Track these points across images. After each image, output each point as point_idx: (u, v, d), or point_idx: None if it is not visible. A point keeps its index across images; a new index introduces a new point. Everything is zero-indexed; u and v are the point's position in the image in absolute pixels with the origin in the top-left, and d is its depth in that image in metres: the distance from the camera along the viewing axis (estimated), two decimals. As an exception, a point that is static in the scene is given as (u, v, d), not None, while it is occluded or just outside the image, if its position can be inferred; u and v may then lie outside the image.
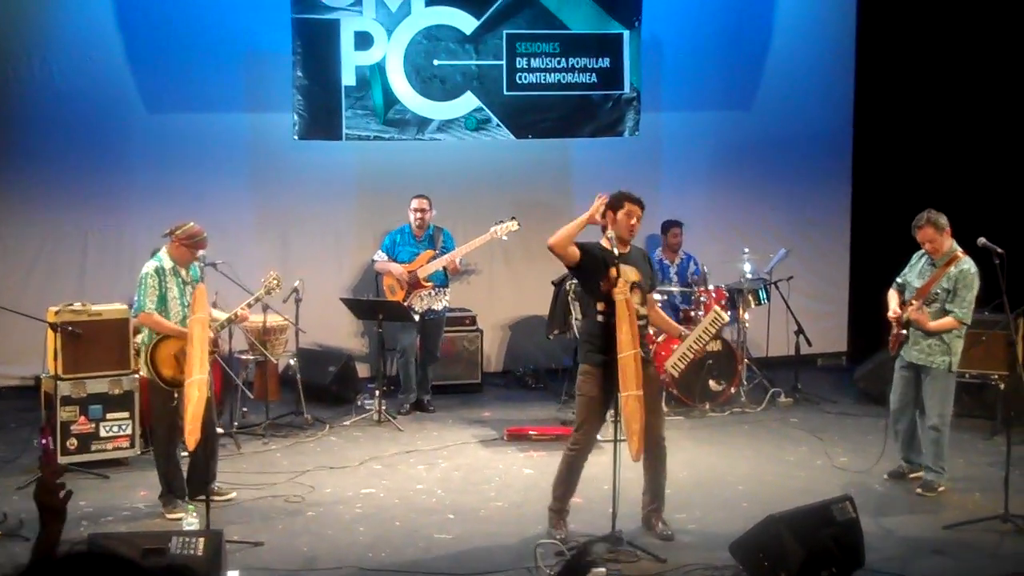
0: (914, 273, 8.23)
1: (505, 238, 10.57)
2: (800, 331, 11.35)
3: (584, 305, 7.32)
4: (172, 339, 7.61)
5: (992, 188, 11.74)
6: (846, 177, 13.12)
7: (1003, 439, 7.89)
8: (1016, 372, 8.91)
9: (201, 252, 7.61)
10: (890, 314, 8.28)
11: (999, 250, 7.60)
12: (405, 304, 10.45)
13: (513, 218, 10.49)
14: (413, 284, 10.56)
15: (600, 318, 7.07)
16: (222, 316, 8.34)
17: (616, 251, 7.04)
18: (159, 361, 7.63)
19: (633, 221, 7.11)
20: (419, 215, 10.63)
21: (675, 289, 11.51)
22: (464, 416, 10.59)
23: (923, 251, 8.20)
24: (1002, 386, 9.63)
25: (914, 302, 8.06)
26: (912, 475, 8.40)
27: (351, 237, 11.90)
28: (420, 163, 11.76)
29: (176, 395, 7.53)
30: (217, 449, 8.10)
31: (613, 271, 6.94)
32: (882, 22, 12.55)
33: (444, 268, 10.60)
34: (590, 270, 7.06)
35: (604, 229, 7.12)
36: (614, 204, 7.12)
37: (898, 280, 8.42)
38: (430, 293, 10.65)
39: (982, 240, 7.73)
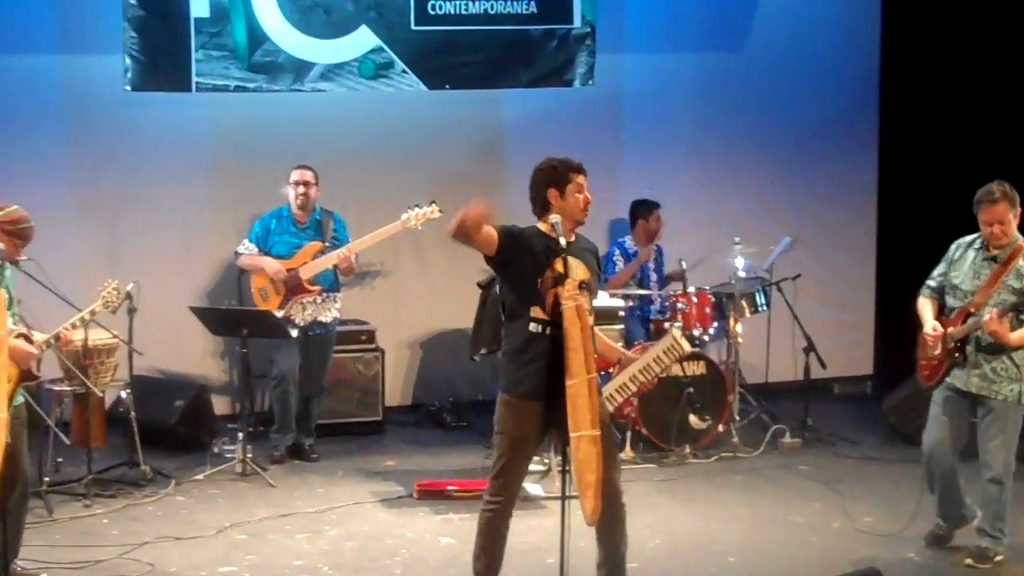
0: (963, 271, 8.17)
1: (421, 228, 10.51)
2: (811, 348, 11.41)
3: (510, 308, 7.23)
4: None
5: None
6: (871, 142, 13.26)
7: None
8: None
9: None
10: (928, 330, 8.20)
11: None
12: (281, 315, 10.38)
13: (433, 202, 10.44)
14: (293, 287, 10.48)
15: (533, 327, 7.02)
16: (38, 337, 8.12)
17: (563, 240, 6.99)
18: None
19: (585, 195, 7.09)
20: (301, 192, 10.55)
21: (647, 292, 11.53)
22: (360, 466, 10.55)
23: (971, 240, 8.19)
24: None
25: (973, 310, 8.03)
26: (955, 537, 8.43)
27: (204, 223, 11.81)
28: (298, 123, 11.72)
29: None
30: (24, 513, 7.90)
31: (558, 264, 6.90)
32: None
33: (335, 267, 10.53)
34: (519, 262, 7.00)
35: (542, 214, 7.09)
36: (555, 179, 7.08)
37: (931, 283, 8.34)
38: (316, 300, 10.59)
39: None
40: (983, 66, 12.39)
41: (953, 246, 8.31)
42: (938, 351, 8.16)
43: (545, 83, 12.08)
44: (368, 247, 10.75)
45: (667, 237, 12.01)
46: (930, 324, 8.21)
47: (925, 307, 8.32)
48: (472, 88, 11.99)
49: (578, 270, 6.97)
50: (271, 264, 10.53)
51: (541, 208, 7.10)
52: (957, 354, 8.10)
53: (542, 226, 7.07)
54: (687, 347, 7.99)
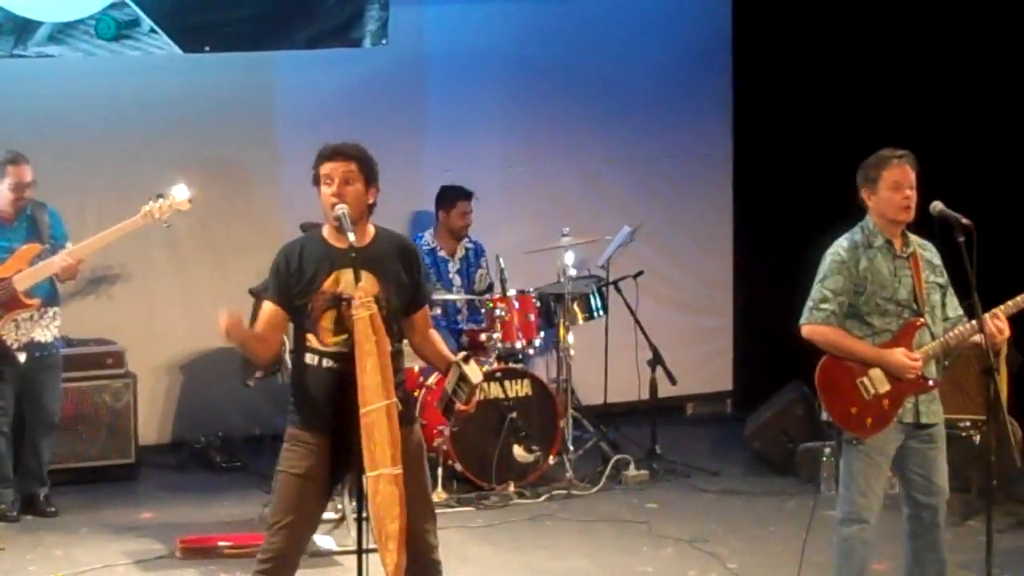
0: (886, 280, 7.94)
1: (168, 224, 10.43)
2: (658, 361, 11.56)
3: (293, 334, 7.26)
4: None
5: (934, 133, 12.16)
6: (725, 110, 13.47)
7: (982, 523, 8.15)
8: (999, 416, 9.09)
9: None
10: (904, 359, 7.75)
11: (965, 221, 7.77)
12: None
13: (183, 189, 10.37)
14: (7, 301, 10.28)
15: (308, 358, 7.05)
16: None
17: (352, 238, 7.00)
18: None
19: (331, 188, 7.09)
20: (18, 187, 10.37)
21: (457, 298, 11.58)
22: (109, 521, 10.48)
23: (862, 242, 7.96)
24: (977, 439, 9.97)
25: (922, 322, 7.90)
26: None
27: None
28: (20, 96, 11.60)
29: None
30: None
31: (329, 282, 6.93)
32: None
33: (56, 274, 10.37)
34: (298, 295, 7.04)
35: (332, 207, 7.09)
36: (313, 176, 7.13)
37: (829, 306, 7.84)
38: (32, 316, 10.46)
39: (939, 206, 7.90)
40: (850, 20, 12.63)
41: (843, 254, 7.89)
42: (889, 386, 7.83)
43: (327, 43, 12.05)
44: (101, 248, 10.62)
45: (482, 229, 12.09)
46: (908, 357, 7.76)
47: (843, 336, 7.86)
48: (237, 50, 11.90)
49: (366, 282, 6.98)
50: None
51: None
52: (930, 381, 8.01)
53: (326, 231, 7.10)
54: (477, 376, 7.76)
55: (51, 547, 9.92)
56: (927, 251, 7.88)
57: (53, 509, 10.58)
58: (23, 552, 9.82)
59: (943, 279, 7.90)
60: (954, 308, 7.89)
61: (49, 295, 10.48)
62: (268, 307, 7.08)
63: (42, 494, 10.64)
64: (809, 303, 7.85)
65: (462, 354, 7.55)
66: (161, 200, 10.31)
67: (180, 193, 10.32)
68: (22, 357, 10.32)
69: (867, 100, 12.39)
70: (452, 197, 11.87)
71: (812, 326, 7.81)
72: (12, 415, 10.55)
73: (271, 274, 7.11)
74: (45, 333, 10.50)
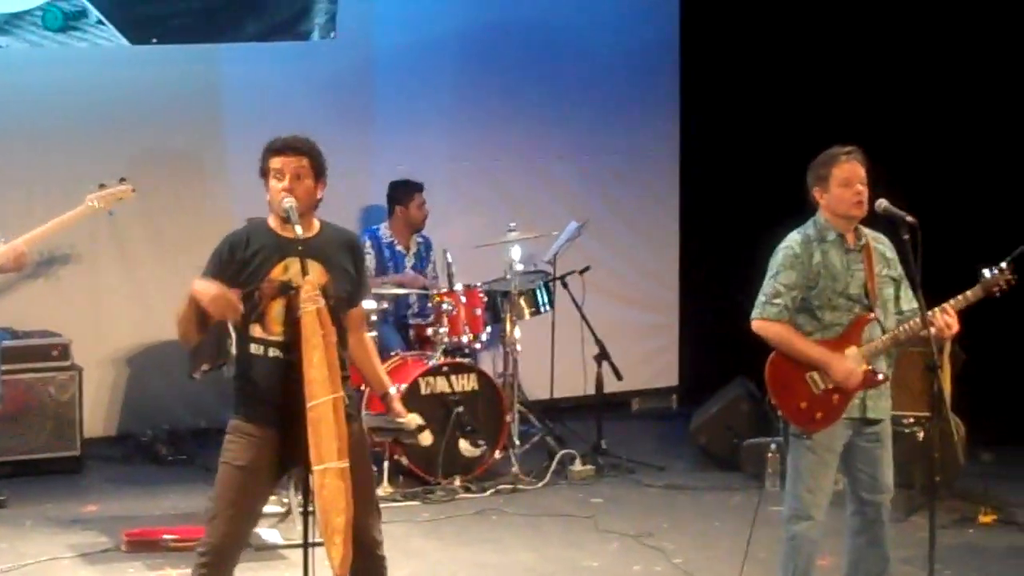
0: (838, 274, 7.90)
1: (112, 212, 10.39)
2: (604, 356, 11.58)
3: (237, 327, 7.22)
4: None
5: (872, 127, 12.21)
6: (672, 107, 13.50)
7: (925, 519, 8.18)
8: (943, 413, 9.17)
9: None
10: (855, 376, 7.71)
11: (909, 218, 7.80)
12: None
13: (123, 180, 10.33)
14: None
15: (254, 348, 7.03)
16: None
17: (298, 229, 6.99)
18: None
19: (280, 183, 7.06)
20: None
21: (404, 291, 11.57)
22: (53, 513, 10.43)
23: (814, 236, 7.95)
24: (921, 435, 10.02)
25: (873, 316, 7.89)
26: None
27: None
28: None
29: None
30: None
31: (278, 270, 6.91)
32: None
33: None
34: (240, 278, 7.00)
35: (281, 200, 7.08)
36: (261, 168, 7.10)
37: (781, 301, 7.80)
38: (-29, 309, 10.44)
39: (884, 204, 7.93)
40: (796, 20, 12.72)
41: (797, 248, 7.84)
42: (837, 383, 7.75)
43: (276, 36, 12.06)
44: (46, 239, 10.57)
45: (429, 222, 12.08)
46: (847, 359, 7.72)
47: (794, 335, 7.80)
48: (185, 42, 11.92)
49: (314, 271, 6.97)
50: None
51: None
52: (880, 376, 8.01)
53: (272, 220, 7.08)
54: (427, 442, 7.81)
55: (-7, 537, 9.92)
56: (880, 244, 7.85)
57: (3, 498, 10.56)
58: (-37, 545, 9.81)
59: (897, 272, 7.87)
60: (908, 301, 7.85)
61: (-14, 287, 10.48)
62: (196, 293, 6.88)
63: (-17, 485, 10.63)
64: (761, 297, 7.79)
65: (416, 422, 7.55)
66: (103, 190, 10.26)
67: (123, 183, 10.29)
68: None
69: (812, 97, 12.52)
70: (409, 190, 11.89)
71: (763, 321, 7.76)
72: None
73: (212, 261, 7.03)
74: (-17, 325, 10.50)
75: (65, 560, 9.50)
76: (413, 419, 7.48)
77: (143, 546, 9.58)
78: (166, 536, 9.63)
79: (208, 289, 6.80)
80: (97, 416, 12.12)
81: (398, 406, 7.46)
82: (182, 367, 11.10)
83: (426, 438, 7.49)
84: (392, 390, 7.53)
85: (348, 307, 7.09)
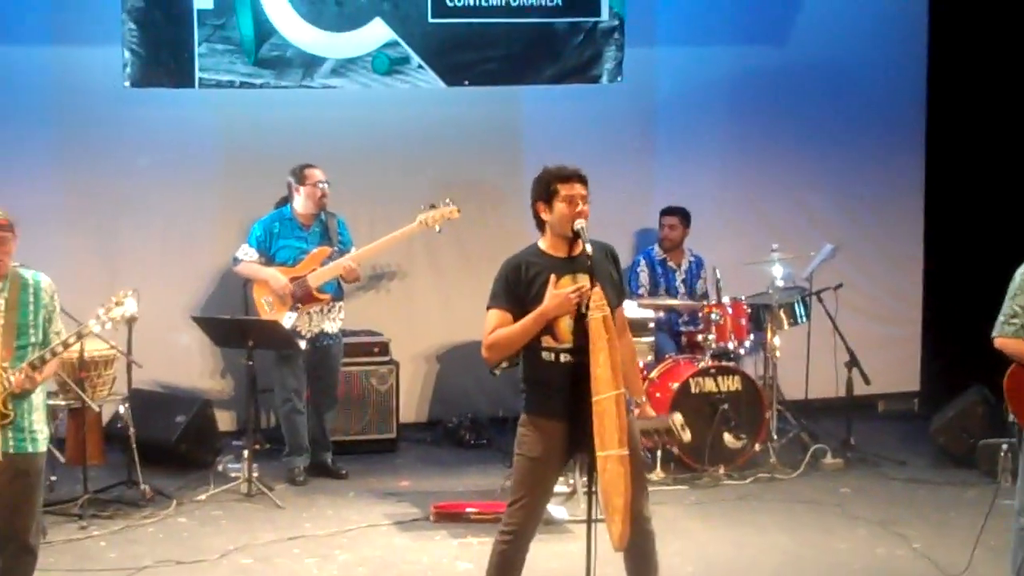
0: None
1: (439, 229, 10.53)
2: (854, 363, 11.42)
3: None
4: None
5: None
6: (918, 143, 13.28)
7: None
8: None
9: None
10: None
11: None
12: (288, 326, 10.42)
13: (450, 201, 10.46)
14: (302, 297, 10.44)
15: (545, 355, 7.05)
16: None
17: (588, 247, 7.02)
18: None
19: (579, 207, 7.06)
20: (321, 193, 10.52)
21: (678, 303, 11.55)
22: (372, 487, 10.60)
23: None
24: None
25: None
26: None
27: (207, 228, 11.87)
28: (308, 121, 11.77)
29: None
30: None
31: (566, 281, 6.92)
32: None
33: (341, 275, 10.55)
34: (529, 304, 7.02)
35: (542, 229, 7.14)
36: (542, 193, 7.13)
37: (1021, 322, 7.57)
38: (322, 310, 10.60)
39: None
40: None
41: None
42: None
43: (570, 80, 12.10)
44: (382, 252, 10.77)
45: (701, 244, 12.06)
46: None
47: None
48: (493, 84, 12.03)
49: (583, 283, 6.97)
50: (276, 279, 10.45)
51: (538, 225, 7.18)
52: None
53: (541, 243, 7.12)
54: (687, 438, 7.81)
55: (324, 507, 10.07)
56: None
57: (344, 471, 10.79)
58: (299, 511, 9.98)
59: None
60: None
61: (336, 292, 10.67)
62: (498, 315, 7.06)
63: (329, 459, 10.86)
64: (1001, 317, 7.57)
65: (679, 416, 7.56)
66: (433, 210, 10.41)
67: (450, 204, 10.43)
68: (303, 344, 10.49)
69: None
70: (663, 213, 12.05)
71: (1003, 339, 7.55)
72: (312, 394, 10.81)
73: (500, 286, 7.08)
74: (332, 325, 10.69)
75: (382, 527, 9.64)
76: (677, 418, 7.48)
77: (448, 517, 9.69)
78: (468, 510, 9.72)
79: (555, 298, 6.87)
80: (410, 404, 12.31)
81: (649, 410, 7.55)
82: (483, 364, 11.14)
83: (686, 435, 7.48)
84: (643, 399, 7.59)
85: (613, 310, 7.08)
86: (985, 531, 8.54)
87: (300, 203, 10.57)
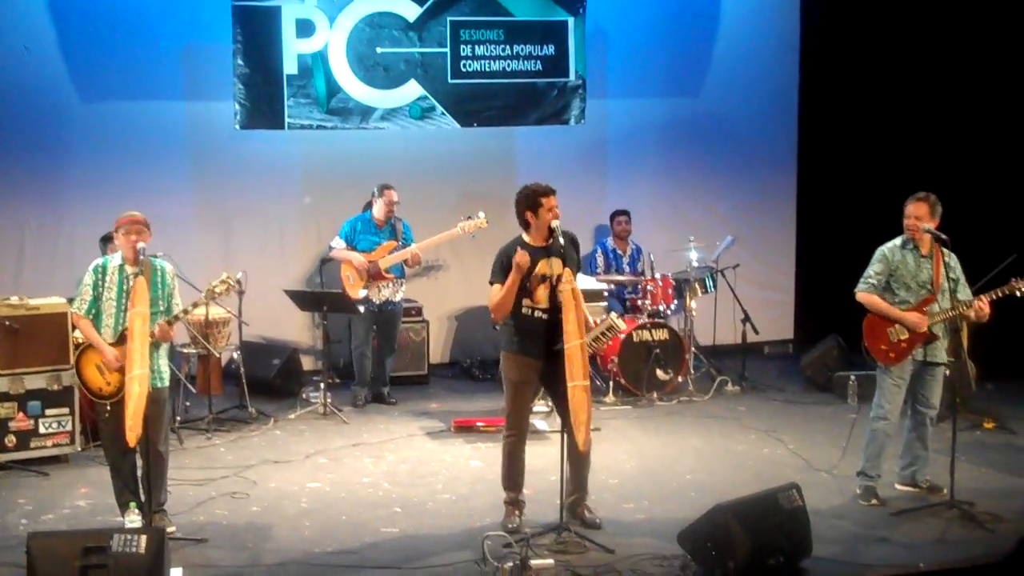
0: (908, 268, 7.77)
1: (473, 236, 10.51)
2: (747, 319, 11.40)
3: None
4: (94, 348, 7.30)
5: (938, 173, 11.79)
6: (791, 163, 13.19)
7: (948, 426, 7.97)
8: (961, 358, 9.01)
9: (140, 244, 7.16)
10: (915, 320, 7.69)
11: (944, 237, 7.68)
12: (364, 294, 10.43)
13: (481, 214, 10.41)
14: (374, 275, 10.47)
15: (525, 309, 7.18)
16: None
17: (562, 240, 7.10)
18: (83, 369, 7.38)
19: (554, 212, 7.16)
20: (390, 203, 10.53)
21: (624, 278, 11.54)
22: (411, 408, 10.57)
23: (899, 243, 7.90)
24: (947, 373, 9.74)
25: (939, 298, 7.70)
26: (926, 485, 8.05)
27: (294, 229, 11.82)
28: (364, 152, 11.71)
29: (108, 407, 7.24)
30: (164, 474, 7.46)
31: (543, 267, 7.09)
32: (827, 5, 12.63)
33: (405, 261, 10.54)
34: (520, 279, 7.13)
35: (525, 228, 7.22)
36: (530, 204, 7.17)
37: (873, 281, 7.81)
38: (390, 285, 10.60)
39: (930, 229, 7.74)
40: (885, 100, 12.35)
41: (886, 251, 7.83)
42: (907, 336, 7.73)
43: (548, 122, 12.06)
44: (430, 248, 10.77)
45: (639, 237, 12.00)
46: (915, 315, 7.71)
47: (881, 302, 7.80)
48: (494, 126, 11.97)
49: (555, 266, 7.09)
50: (359, 260, 10.45)
51: (523, 225, 7.25)
52: (934, 333, 7.76)
53: (525, 236, 7.22)
54: (621, 325, 8.04)
55: (376, 423, 10.07)
56: (948, 257, 7.80)
57: (394, 400, 10.74)
58: (360, 425, 9.99)
59: (955, 274, 7.77)
60: (965, 294, 7.78)
61: (400, 273, 10.66)
62: (497, 287, 7.18)
63: (386, 392, 10.80)
64: (863, 278, 7.87)
65: (615, 313, 7.75)
66: (469, 220, 10.38)
67: (480, 216, 10.36)
68: (361, 308, 10.46)
69: (903, 146, 12.08)
70: (616, 214, 11.91)
71: (862, 293, 7.84)
72: (378, 343, 10.79)
73: (496, 266, 7.22)
74: (396, 295, 10.70)
75: (417, 436, 9.66)
76: (611, 318, 7.66)
77: (464, 429, 9.71)
78: (478, 424, 9.73)
79: (519, 256, 7.03)
80: (437, 350, 12.26)
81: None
82: (489, 321, 11.13)
83: (620, 324, 7.68)
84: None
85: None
86: (839, 436, 8.61)
87: (377, 209, 10.56)
